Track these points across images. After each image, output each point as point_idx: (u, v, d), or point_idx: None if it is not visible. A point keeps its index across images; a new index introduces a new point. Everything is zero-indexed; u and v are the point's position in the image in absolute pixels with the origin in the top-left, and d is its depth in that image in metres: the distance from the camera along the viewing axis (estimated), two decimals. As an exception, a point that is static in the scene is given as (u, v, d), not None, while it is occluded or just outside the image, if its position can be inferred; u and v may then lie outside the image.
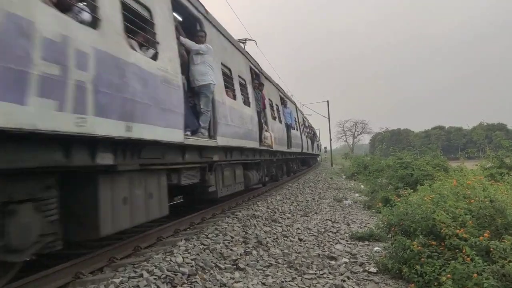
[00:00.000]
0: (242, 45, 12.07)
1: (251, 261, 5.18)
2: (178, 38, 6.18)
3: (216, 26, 8.14)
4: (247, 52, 11.46)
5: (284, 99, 17.06)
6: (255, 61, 12.22)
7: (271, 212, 8.73)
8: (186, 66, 6.69)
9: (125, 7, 4.58)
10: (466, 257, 3.99)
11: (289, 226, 7.83)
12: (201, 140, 6.54)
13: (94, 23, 3.96)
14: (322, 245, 6.51)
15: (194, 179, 6.85)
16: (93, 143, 3.97)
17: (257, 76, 12.14)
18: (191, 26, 7.23)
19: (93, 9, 4.02)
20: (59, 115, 3.26)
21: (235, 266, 4.87)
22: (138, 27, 4.88)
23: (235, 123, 8.40)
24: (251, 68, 11.33)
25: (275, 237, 6.68)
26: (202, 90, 6.85)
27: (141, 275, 3.92)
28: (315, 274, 4.95)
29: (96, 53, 3.82)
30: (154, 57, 5.15)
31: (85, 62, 3.64)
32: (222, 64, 8.28)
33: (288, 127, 16.07)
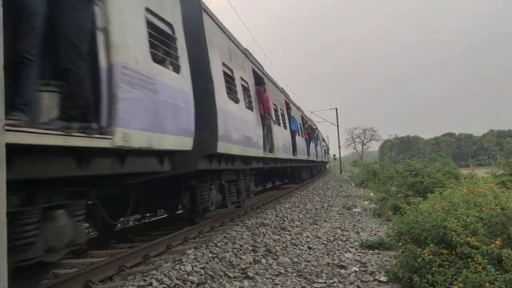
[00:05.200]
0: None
1: (260, 269, 5.16)
2: None
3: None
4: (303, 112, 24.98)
5: (313, 127, 27.37)
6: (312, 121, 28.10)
7: (280, 220, 8.71)
8: None
9: None
10: (477, 265, 3.94)
11: (298, 234, 7.80)
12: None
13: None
14: (331, 253, 6.46)
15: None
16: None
17: (306, 123, 22.82)
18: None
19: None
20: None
21: (244, 275, 4.86)
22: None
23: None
24: (303, 118, 22.31)
25: (284, 246, 6.65)
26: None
27: (151, 284, 3.93)
28: (325, 283, 4.91)
29: None
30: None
31: None
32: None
33: (321, 146, 28.53)
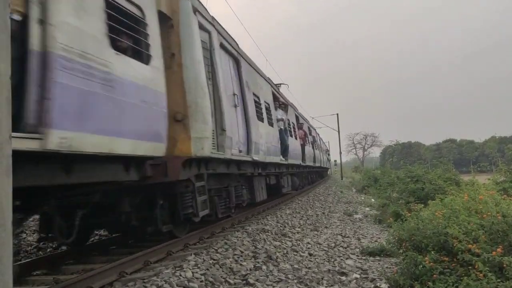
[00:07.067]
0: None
1: (261, 276, 5.15)
2: None
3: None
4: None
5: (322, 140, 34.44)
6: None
7: (280, 226, 8.70)
8: None
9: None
10: (479, 273, 3.93)
11: (299, 240, 7.79)
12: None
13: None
14: (332, 260, 6.45)
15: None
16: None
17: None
18: None
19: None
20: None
21: (244, 281, 4.84)
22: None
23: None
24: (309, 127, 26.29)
25: (285, 252, 6.64)
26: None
27: (151, 290, 3.93)
28: (326, 290, 4.90)
29: None
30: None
31: None
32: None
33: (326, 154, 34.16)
